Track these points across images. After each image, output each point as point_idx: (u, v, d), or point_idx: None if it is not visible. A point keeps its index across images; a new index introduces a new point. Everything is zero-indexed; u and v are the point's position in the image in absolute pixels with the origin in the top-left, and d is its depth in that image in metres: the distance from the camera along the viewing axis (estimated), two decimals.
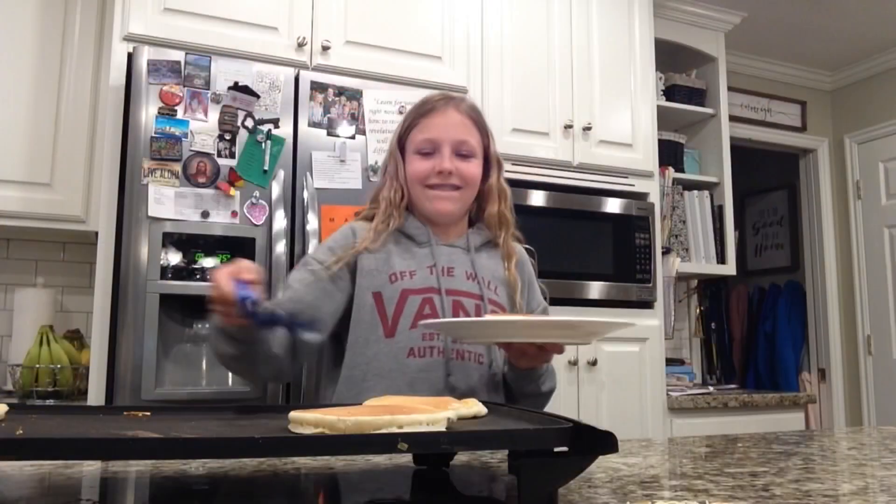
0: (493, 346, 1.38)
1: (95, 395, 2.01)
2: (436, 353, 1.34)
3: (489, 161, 1.48)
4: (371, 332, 1.34)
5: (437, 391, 1.30)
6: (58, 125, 2.40)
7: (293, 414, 0.69)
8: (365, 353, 1.33)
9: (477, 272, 1.43)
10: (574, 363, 2.60)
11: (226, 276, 1.10)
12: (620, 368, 2.68)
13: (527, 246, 1.58)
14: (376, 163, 2.29)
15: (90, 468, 0.85)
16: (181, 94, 2.09)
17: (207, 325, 1.28)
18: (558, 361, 2.58)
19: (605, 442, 0.64)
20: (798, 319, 4.64)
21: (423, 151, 1.40)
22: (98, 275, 2.06)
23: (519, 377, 1.38)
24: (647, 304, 2.81)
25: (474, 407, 0.82)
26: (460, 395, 1.27)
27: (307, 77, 2.26)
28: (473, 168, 1.43)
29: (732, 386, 3.61)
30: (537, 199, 2.64)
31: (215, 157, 2.09)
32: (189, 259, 2.03)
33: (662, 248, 2.95)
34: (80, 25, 2.46)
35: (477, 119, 1.45)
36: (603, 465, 0.89)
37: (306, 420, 0.67)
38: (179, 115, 2.08)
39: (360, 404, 0.88)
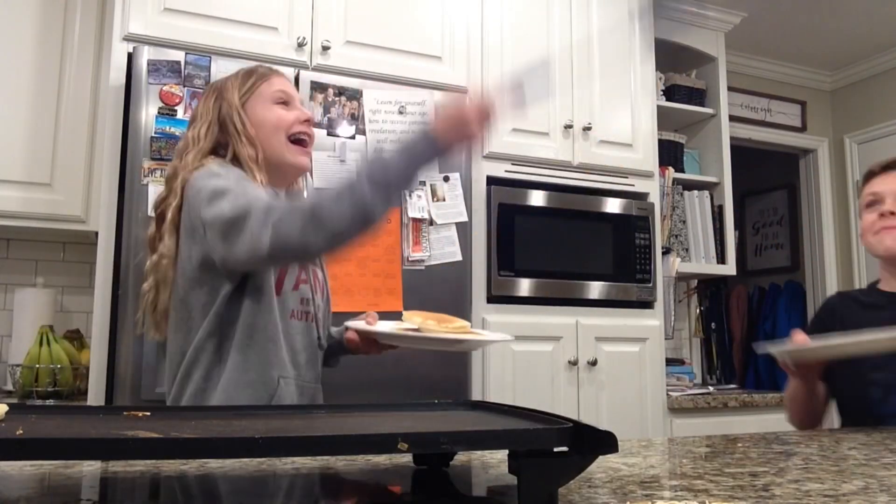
0: (329, 314, 1.52)
1: (95, 395, 2.01)
2: (310, 317, 1.41)
3: None
4: (268, 284, 1.33)
5: (310, 353, 1.40)
6: (58, 125, 2.40)
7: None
8: (252, 298, 1.31)
9: None
10: (574, 363, 2.60)
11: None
12: (620, 368, 2.69)
13: None
14: None
15: (90, 468, 0.85)
16: (181, 94, 2.09)
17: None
18: (558, 363, 2.58)
19: (605, 442, 0.64)
20: (798, 319, 4.64)
21: (280, 101, 1.42)
22: (98, 275, 2.06)
23: (347, 354, 1.52)
24: (647, 304, 2.81)
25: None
26: (318, 358, 1.44)
27: (307, 77, 2.26)
28: None
29: (732, 386, 3.61)
30: (537, 199, 2.65)
31: None
32: None
33: (662, 248, 2.95)
34: (80, 25, 2.46)
35: None
36: (603, 465, 0.89)
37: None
38: (179, 115, 2.08)
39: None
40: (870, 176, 1.72)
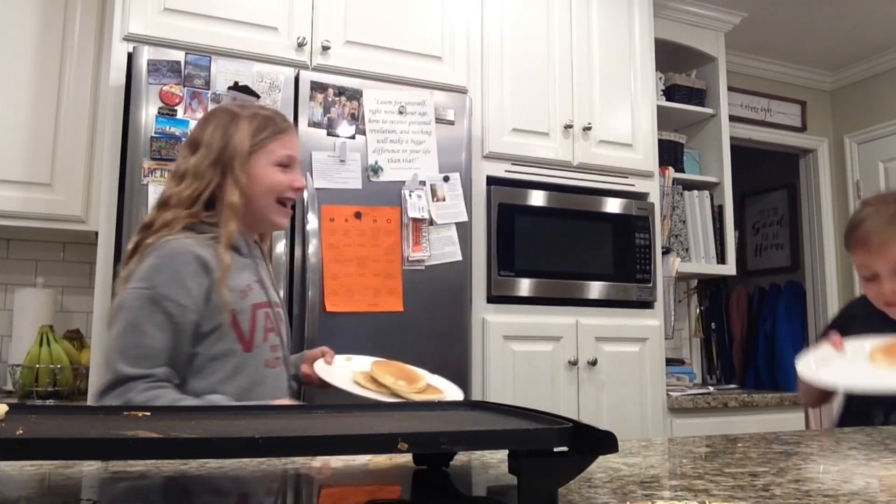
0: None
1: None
2: (280, 363, 1.46)
3: None
4: (228, 346, 1.36)
5: (282, 395, 1.44)
6: (58, 125, 2.40)
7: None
8: (223, 368, 1.35)
9: (268, 279, 1.53)
10: (574, 363, 2.60)
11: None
12: (620, 368, 2.68)
13: None
14: (376, 163, 2.29)
15: (90, 468, 0.85)
16: (181, 94, 2.09)
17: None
18: (558, 363, 2.58)
19: (605, 442, 0.64)
20: (798, 319, 4.64)
21: (283, 164, 1.46)
22: (98, 275, 2.06)
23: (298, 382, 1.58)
24: (647, 304, 2.81)
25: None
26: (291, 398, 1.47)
27: (307, 77, 2.26)
28: None
29: (732, 386, 3.61)
30: (537, 199, 2.65)
31: None
32: None
33: (662, 248, 2.95)
34: (80, 25, 2.46)
35: None
36: (603, 465, 0.89)
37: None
38: (179, 115, 2.08)
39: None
40: (860, 244, 1.64)
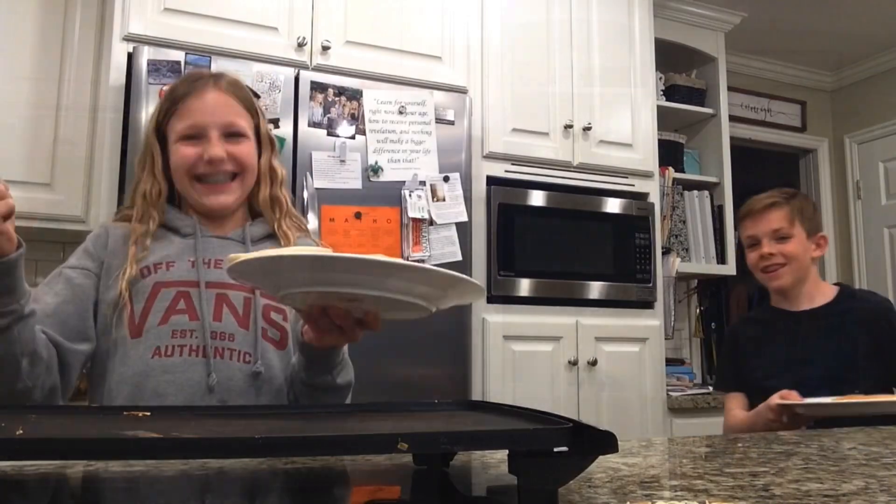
0: (259, 341, 1.21)
1: None
2: (187, 351, 1.18)
3: (261, 141, 1.33)
4: (116, 334, 1.20)
5: (189, 394, 1.16)
6: (58, 125, 2.40)
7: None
8: (118, 359, 1.19)
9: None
10: (574, 363, 2.60)
11: None
12: (620, 368, 2.69)
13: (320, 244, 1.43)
14: (376, 163, 2.29)
15: (90, 468, 0.85)
16: None
17: None
18: (558, 363, 2.58)
19: (605, 442, 0.64)
20: None
21: (187, 136, 1.25)
22: None
23: (313, 363, 1.16)
24: (647, 304, 2.81)
25: None
26: (220, 398, 1.17)
27: (307, 77, 2.26)
28: (247, 149, 1.28)
29: None
30: (537, 199, 2.65)
31: None
32: None
33: (662, 248, 2.95)
34: (80, 25, 2.46)
35: (242, 96, 1.30)
36: (603, 465, 0.89)
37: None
38: None
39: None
40: (745, 216, 1.99)
